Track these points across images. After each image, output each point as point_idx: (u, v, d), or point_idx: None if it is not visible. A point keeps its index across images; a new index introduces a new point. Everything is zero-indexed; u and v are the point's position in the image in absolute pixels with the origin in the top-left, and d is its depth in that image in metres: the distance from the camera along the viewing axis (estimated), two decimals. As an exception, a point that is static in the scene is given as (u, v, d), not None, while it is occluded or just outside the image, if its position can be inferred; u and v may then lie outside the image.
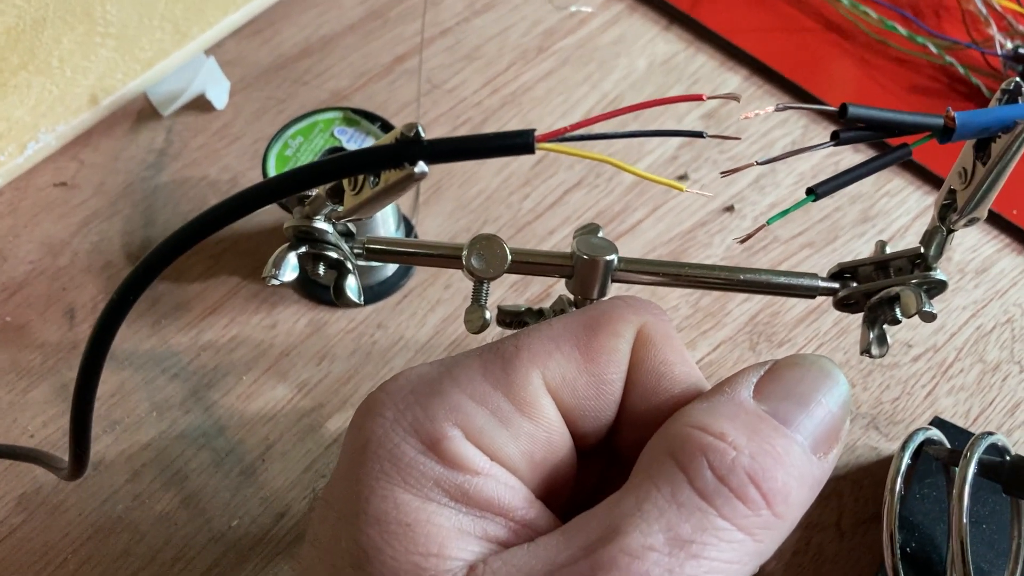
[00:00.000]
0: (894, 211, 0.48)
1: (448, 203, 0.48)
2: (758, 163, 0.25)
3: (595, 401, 0.25)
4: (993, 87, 0.51)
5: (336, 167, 0.23)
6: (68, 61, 0.49)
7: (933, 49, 0.52)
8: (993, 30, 0.52)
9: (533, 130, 0.23)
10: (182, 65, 0.51)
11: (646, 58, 0.54)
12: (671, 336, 0.26)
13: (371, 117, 0.43)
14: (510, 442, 0.24)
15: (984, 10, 0.52)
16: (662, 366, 0.26)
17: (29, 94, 0.48)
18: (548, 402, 0.25)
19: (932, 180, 0.49)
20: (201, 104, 0.51)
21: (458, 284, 0.46)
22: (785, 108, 0.24)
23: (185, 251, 0.23)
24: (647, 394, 0.26)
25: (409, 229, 0.47)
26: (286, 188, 0.23)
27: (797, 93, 0.53)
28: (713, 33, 0.55)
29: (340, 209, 0.28)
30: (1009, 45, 0.51)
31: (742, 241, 0.26)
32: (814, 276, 0.34)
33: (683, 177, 0.49)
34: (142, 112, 0.51)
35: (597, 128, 0.24)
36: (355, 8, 0.56)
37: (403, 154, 0.23)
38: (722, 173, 0.24)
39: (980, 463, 0.30)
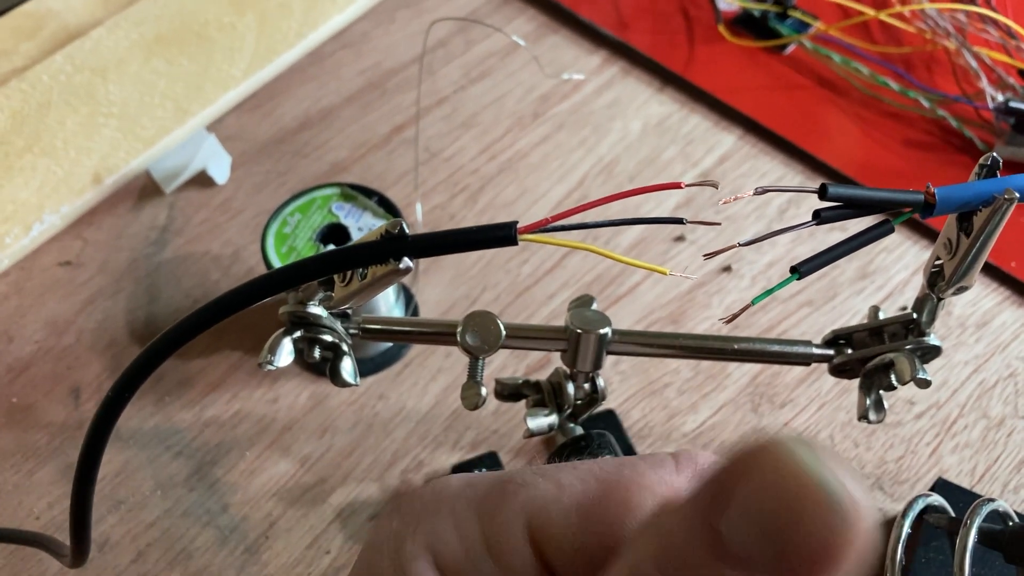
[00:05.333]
0: (892, 267, 0.48)
1: (447, 271, 0.48)
2: (740, 245, 0.25)
3: (582, 555, 0.23)
4: (985, 139, 0.52)
5: (324, 264, 0.23)
6: (72, 142, 0.50)
7: (925, 103, 0.53)
8: (984, 83, 0.52)
9: (515, 222, 0.24)
10: (183, 142, 0.52)
11: (640, 120, 0.54)
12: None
13: (367, 192, 0.43)
14: None
15: (974, 63, 0.53)
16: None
17: (34, 176, 0.49)
18: (524, 553, 0.23)
19: (929, 234, 0.49)
20: (203, 180, 0.52)
21: (459, 353, 0.46)
22: (765, 191, 0.25)
23: (171, 355, 0.23)
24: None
25: (409, 298, 0.47)
26: (276, 286, 0.23)
27: (791, 151, 0.53)
28: (706, 93, 0.55)
29: (332, 297, 0.29)
30: (1000, 98, 0.51)
31: (727, 321, 0.26)
32: (808, 344, 0.35)
33: (680, 239, 0.49)
34: (145, 189, 0.52)
35: (579, 217, 0.24)
36: (353, 80, 0.57)
37: (388, 250, 0.23)
38: (704, 256, 0.25)
39: (980, 531, 0.30)
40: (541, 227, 0.24)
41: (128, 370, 0.23)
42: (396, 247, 0.23)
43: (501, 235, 0.23)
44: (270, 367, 0.30)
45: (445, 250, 0.23)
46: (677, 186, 0.23)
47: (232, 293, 0.23)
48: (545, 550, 0.24)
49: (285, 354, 0.31)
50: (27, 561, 0.40)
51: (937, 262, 0.30)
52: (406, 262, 0.23)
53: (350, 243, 0.25)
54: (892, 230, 0.26)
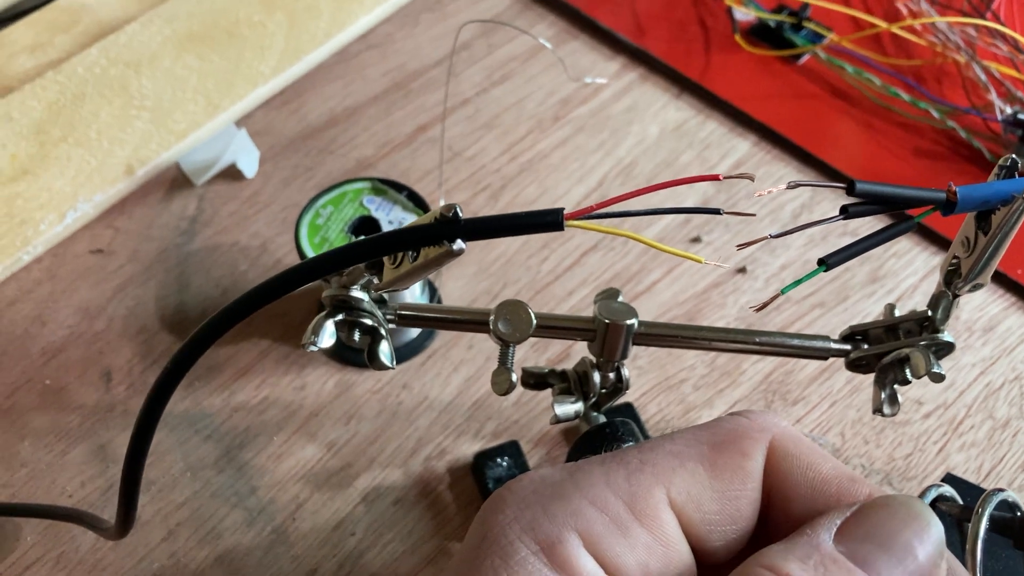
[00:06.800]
0: (902, 271, 0.50)
1: (470, 266, 0.50)
2: (772, 236, 0.26)
3: (720, 517, 0.25)
4: (994, 150, 0.53)
5: (383, 244, 0.25)
6: (106, 133, 0.52)
7: (935, 114, 0.54)
8: (993, 96, 0.54)
9: (562, 209, 0.25)
10: (214, 136, 0.54)
11: (658, 125, 0.56)
12: (802, 440, 0.26)
13: (398, 187, 0.45)
14: (626, 551, 0.24)
15: (983, 77, 0.55)
16: (809, 471, 0.26)
17: (69, 165, 0.51)
18: (669, 517, 0.25)
19: (938, 241, 0.51)
20: (232, 173, 0.53)
21: (480, 345, 0.47)
22: (797, 185, 0.26)
23: (252, 313, 0.25)
24: (806, 502, 0.26)
25: (433, 292, 0.48)
26: (338, 263, 0.25)
27: (805, 158, 0.54)
28: (722, 100, 0.57)
29: (377, 280, 0.30)
30: (1008, 110, 0.53)
31: (758, 309, 0.27)
32: (826, 338, 0.36)
33: (696, 240, 0.51)
34: (175, 181, 0.53)
35: (620, 206, 0.25)
36: (378, 80, 0.58)
37: (443, 233, 0.24)
38: (738, 246, 0.26)
39: (991, 519, 0.31)
40: (586, 214, 0.25)
41: (196, 335, 0.25)
42: (451, 229, 0.24)
43: (549, 220, 0.25)
44: (313, 348, 0.32)
45: (496, 233, 0.25)
46: (715, 178, 0.25)
47: (301, 266, 0.24)
48: (686, 513, 0.25)
49: (327, 336, 0.32)
50: (60, 537, 0.41)
51: (954, 260, 0.31)
52: (459, 244, 0.25)
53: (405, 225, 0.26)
54: (914, 226, 0.28)
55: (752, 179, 0.25)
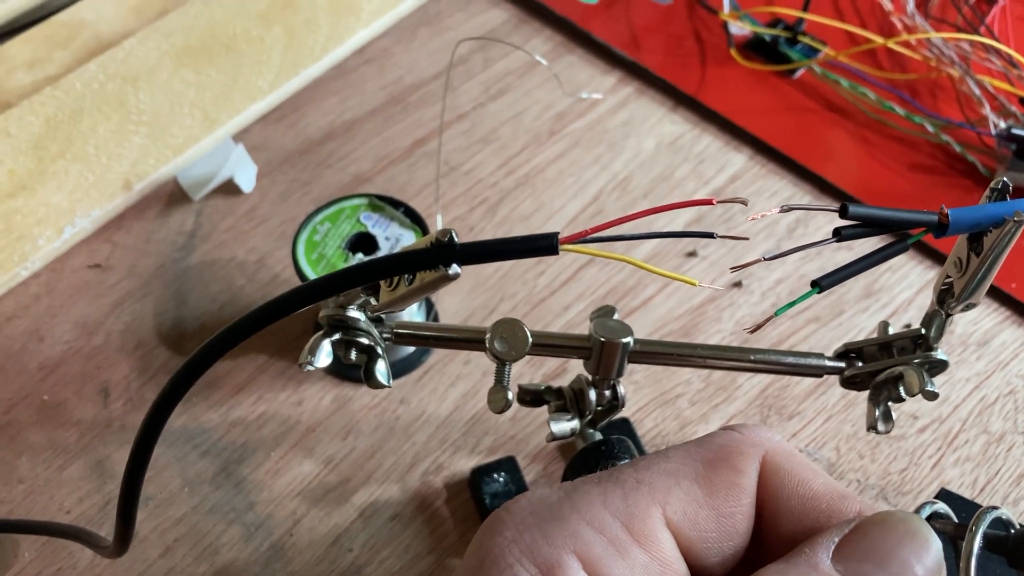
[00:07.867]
0: (897, 286, 0.50)
1: (466, 281, 0.50)
2: (765, 259, 0.26)
3: (716, 534, 0.26)
4: (988, 164, 0.54)
5: (379, 268, 0.25)
6: (103, 148, 0.52)
7: (930, 128, 0.55)
8: (987, 110, 0.54)
9: (557, 233, 0.25)
10: (211, 151, 0.54)
11: (654, 139, 0.56)
12: (795, 455, 0.27)
13: (395, 203, 0.45)
14: (625, 573, 0.24)
15: (977, 91, 0.55)
16: (800, 487, 0.26)
17: (67, 180, 0.51)
18: (666, 536, 0.25)
19: (933, 255, 0.51)
20: (229, 188, 0.53)
21: (477, 360, 0.47)
22: (789, 209, 0.26)
23: (244, 340, 0.25)
24: (796, 518, 0.26)
25: (430, 307, 0.49)
26: (335, 287, 0.25)
27: (800, 172, 0.55)
28: (717, 114, 0.57)
29: (374, 301, 0.30)
30: (1002, 124, 0.53)
31: (751, 331, 0.27)
32: (821, 356, 0.36)
33: (692, 254, 0.51)
34: (172, 196, 0.53)
35: (614, 229, 0.26)
36: (376, 94, 0.58)
37: (438, 257, 0.25)
38: (731, 269, 0.26)
39: (985, 537, 0.31)
40: (581, 238, 0.25)
41: (195, 356, 0.25)
42: (446, 254, 0.25)
43: (544, 244, 0.25)
44: (310, 367, 0.32)
45: (491, 258, 0.25)
46: (709, 202, 0.25)
47: (299, 290, 0.24)
48: (683, 532, 0.25)
49: (324, 355, 0.32)
50: (58, 553, 0.41)
51: (947, 280, 0.31)
52: (455, 268, 0.25)
53: (402, 249, 0.26)
54: (908, 247, 0.28)
55: (745, 203, 0.25)
